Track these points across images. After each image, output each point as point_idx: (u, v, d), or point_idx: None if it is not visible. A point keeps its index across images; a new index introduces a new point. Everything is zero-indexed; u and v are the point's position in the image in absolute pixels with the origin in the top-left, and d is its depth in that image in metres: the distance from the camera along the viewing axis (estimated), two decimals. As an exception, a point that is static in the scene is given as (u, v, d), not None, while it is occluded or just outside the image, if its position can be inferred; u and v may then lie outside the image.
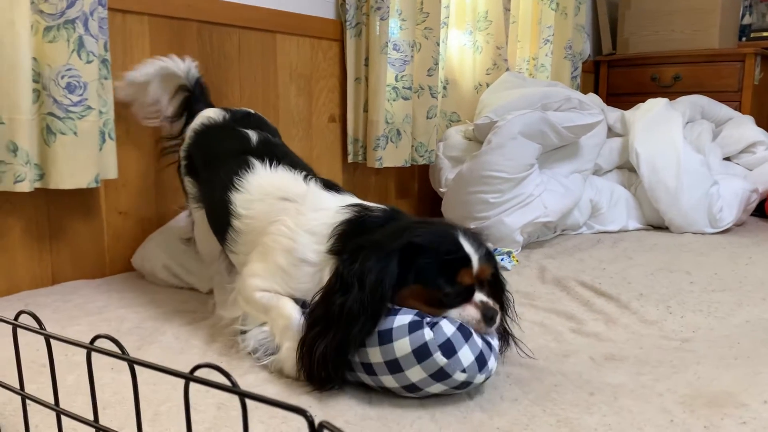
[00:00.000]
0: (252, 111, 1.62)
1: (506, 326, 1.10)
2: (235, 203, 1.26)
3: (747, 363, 1.08)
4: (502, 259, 1.91)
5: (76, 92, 1.53)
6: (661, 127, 2.60)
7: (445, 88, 2.63)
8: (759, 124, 2.99)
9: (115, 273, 1.75)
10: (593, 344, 1.25)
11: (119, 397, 0.97)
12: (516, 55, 2.98)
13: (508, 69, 2.72)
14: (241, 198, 1.27)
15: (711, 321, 1.39)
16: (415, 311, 0.97)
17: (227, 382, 0.51)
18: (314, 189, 1.23)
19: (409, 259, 0.97)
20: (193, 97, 1.69)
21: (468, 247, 1.00)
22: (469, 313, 0.99)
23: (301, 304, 1.09)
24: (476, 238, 1.04)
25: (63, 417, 0.67)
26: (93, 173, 1.57)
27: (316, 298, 1.01)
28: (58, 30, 1.49)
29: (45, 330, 0.63)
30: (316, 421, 0.46)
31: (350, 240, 1.05)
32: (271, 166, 1.32)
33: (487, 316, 0.99)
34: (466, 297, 1.00)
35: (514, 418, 0.92)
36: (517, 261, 1.96)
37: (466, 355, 0.94)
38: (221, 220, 1.31)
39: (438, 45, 2.42)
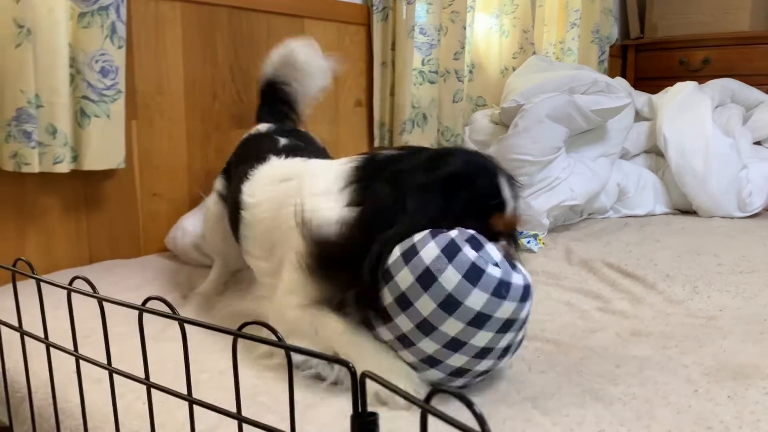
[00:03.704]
0: (303, 130, 1.62)
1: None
2: (244, 192, 1.22)
3: (774, 338, 1.09)
4: (528, 242, 1.93)
5: (109, 76, 1.57)
6: (690, 111, 2.58)
7: (471, 72, 2.64)
8: (790, 107, 2.94)
9: (150, 253, 1.81)
10: (619, 321, 1.26)
11: (159, 366, 1.01)
12: (543, 39, 2.97)
13: (534, 53, 2.72)
14: (248, 185, 1.22)
15: (738, 301, 1.39)
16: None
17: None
18: (313, 162, 1.16)
19: (452, 191, 0.90)
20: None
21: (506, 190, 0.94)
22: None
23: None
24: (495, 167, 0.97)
25: (115, 377, 0.70)
26: (121, 155, 1.62)
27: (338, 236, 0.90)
28: (92, 16, 1.53)
29: (98, 294, 0.66)
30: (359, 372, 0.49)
31: (370, 181, 0.94)
32: (286, 158, 1.27)
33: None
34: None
35: (541, 389, 0.94)
36: (543, 243, 1.97)
37: (517, 282, 0.84)
38: (234, 215, 1.26)
39: (464, 29, 2.43)
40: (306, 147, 1.42)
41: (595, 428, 0.81)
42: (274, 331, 0.53)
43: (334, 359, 0.51)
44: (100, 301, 0.66)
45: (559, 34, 3.01)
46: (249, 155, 1.38)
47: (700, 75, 3.22)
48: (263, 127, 1.58)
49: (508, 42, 2.70)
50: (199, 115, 1.87)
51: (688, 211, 2.53)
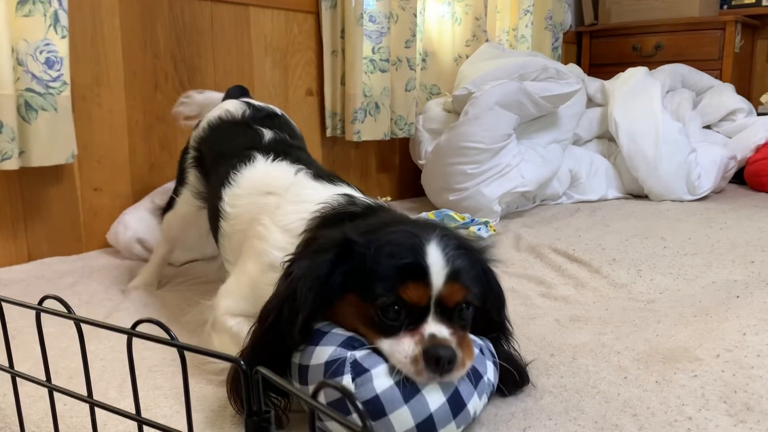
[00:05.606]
0: (279, 112, 1.43)
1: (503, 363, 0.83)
2: (224, 200, 1.11)
3: (704, 320, 1.10)
4: (479, 229, 1.92)
5: (54, 67, 1.51)
6: (640, 96, 2.61)
7: (424, 60, 2.62)
8: (739, 91, 3.00)
9: (92, 249, 1.76)
10: (560, 307, 1.27)
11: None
12: (496, 26, 2.97)
13: (487, 40, 2.72)
14: (230, 193, 1.11)
15: (679, 283, 1.41)
16: (347, 336, 0.74)
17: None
18: (301, 180, 1.05)
19: (347, 259, 0.74)
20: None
21: (433, 255, 0.73)
22: (401, 348, 0.70)
23: None
24: (461, 250, 0.76)
25: (23, 381, 0.68)
26: (70, 149, 1.57)
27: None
28: (34, 4, 1.46)
29: (-4, 294, 0.63)
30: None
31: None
32: (274, 160, 1.14)
33: (432, 357, 0.68)
34: (411, 322, 0.72)
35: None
36: (494, 230, 1.97)
37: (402, 419, 0.68)
38: (214, 222, 1.15)
39: (415, 16, 2.41)
40: (292, 142, 1.30)
41: (522, 424, 0.80)
42: (167, 330, 0.51)
43: (225, 357, 0.49)
44: (-2, 301, 0.63)
45: (512, 21, 3.01)
46: (229, 151, 1.22)
47: (653, 60, 3.26)
48: (233, 107, 1.37)
49: (461, 29, 2.69)
50: (140, 107, 1.83)
51: (639, 195, 2.56)
